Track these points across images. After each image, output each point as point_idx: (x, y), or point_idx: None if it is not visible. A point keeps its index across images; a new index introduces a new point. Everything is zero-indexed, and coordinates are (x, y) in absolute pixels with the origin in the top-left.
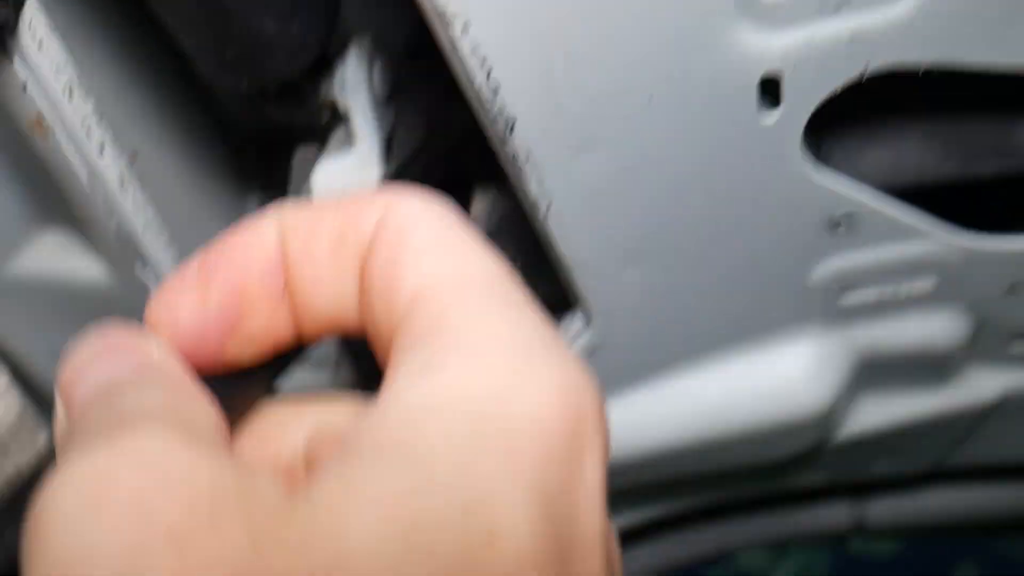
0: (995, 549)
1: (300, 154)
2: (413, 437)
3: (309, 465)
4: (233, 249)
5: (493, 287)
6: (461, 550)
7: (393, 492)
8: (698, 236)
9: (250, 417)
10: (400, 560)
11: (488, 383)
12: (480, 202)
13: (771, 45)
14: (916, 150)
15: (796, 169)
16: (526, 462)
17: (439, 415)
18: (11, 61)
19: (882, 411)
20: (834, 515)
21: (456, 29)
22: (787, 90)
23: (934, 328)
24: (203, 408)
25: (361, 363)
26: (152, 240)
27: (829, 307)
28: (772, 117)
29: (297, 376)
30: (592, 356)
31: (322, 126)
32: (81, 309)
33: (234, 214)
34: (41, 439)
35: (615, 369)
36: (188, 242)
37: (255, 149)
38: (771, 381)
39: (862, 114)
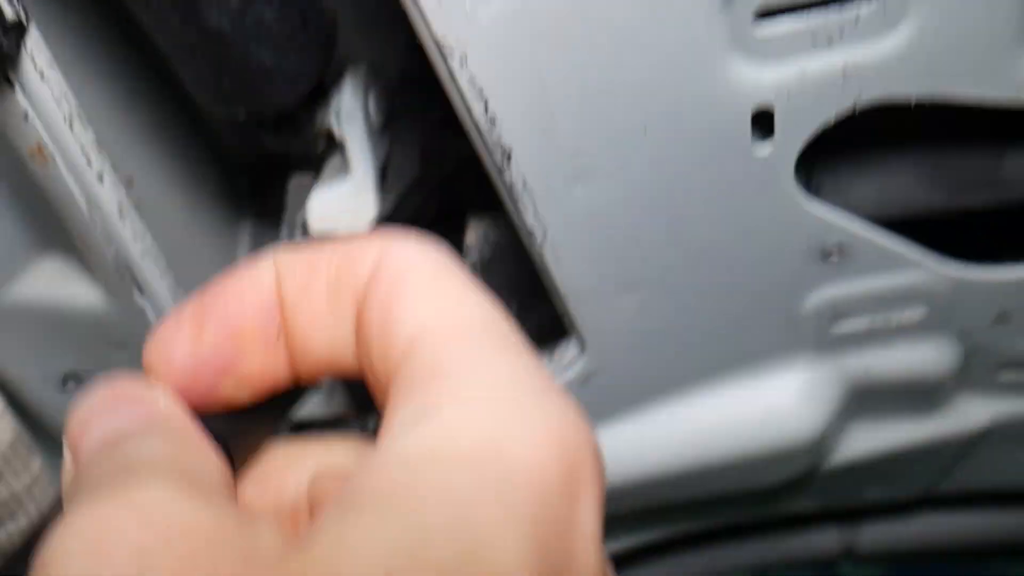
0: (985, 575)
1: (295, 181)
2: (410, 486)
3: (312, 506)
4: (229, 291)
5: (488, 332)
6: None
7: (390, 542)
8: (691, 265)
9: (256, 458)
10: None
11: (484, 430)
12: (474, 230)
13: (764, 78)
14: (906, 181)
15: (788, 199)
16: (523, 508)
17: (435, 463)
18: (13, 91)
19: (872, 438)
20: (824, 540)
21: (455, 61)
22: (780, 122)
23: (924, 356)
24: (207, 458)
25: (354, 390)
26: (149, 268)
27: (820, 335)
28: (765, 148)
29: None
30: (586, 382)
31: (317, 154)
32: (77, 335)
33: (227, 240)
34: (35, 465)
35: (609, 395)
36: (182, 268)
37: (248, 175)
38: (763, 408)
39: (852, 145)
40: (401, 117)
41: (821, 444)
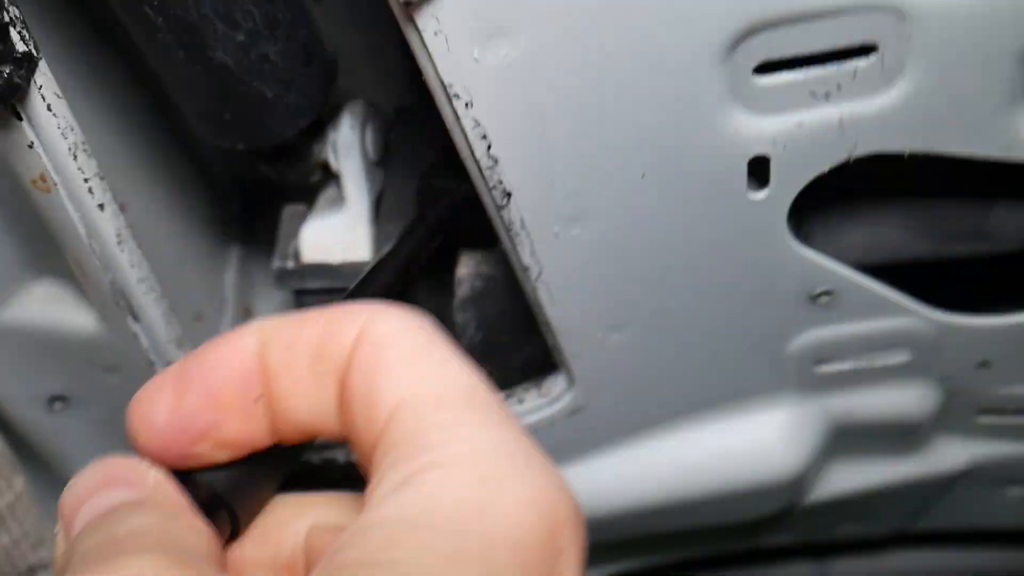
0: None
1: (288, 211)
2: (394, 554)
3: (308, 560)
4: (211, 357)
5: (471, 400)
6: None
7: None
8: (683, 306)
9: (260, 512)
10: None
11: (466, 495)
12: (466, 264)
13: (762, 128)
14: (894, 229)
15: (781, 245)
16: (505, 571)
17: (419, 531)
18: (20, 121)
19: (851, 476)
20: (797, 574)
21: (460, 104)
22: (775, 171)
23: (906, 399)
24: (196, 532)
25: None
26: (145, 295)
27: (805, 375)
28: (760, 195)
29: None
30: (574, 415)
31: (312, 185)
32: (67, 357)
33: (215, 264)
34: (18, 483)
35: (595, 429)
36: (170, 292)
37: (238, 202)
38: (746, 445)
39: (842, 192)
40: (396, 152)
41: (801, 482)
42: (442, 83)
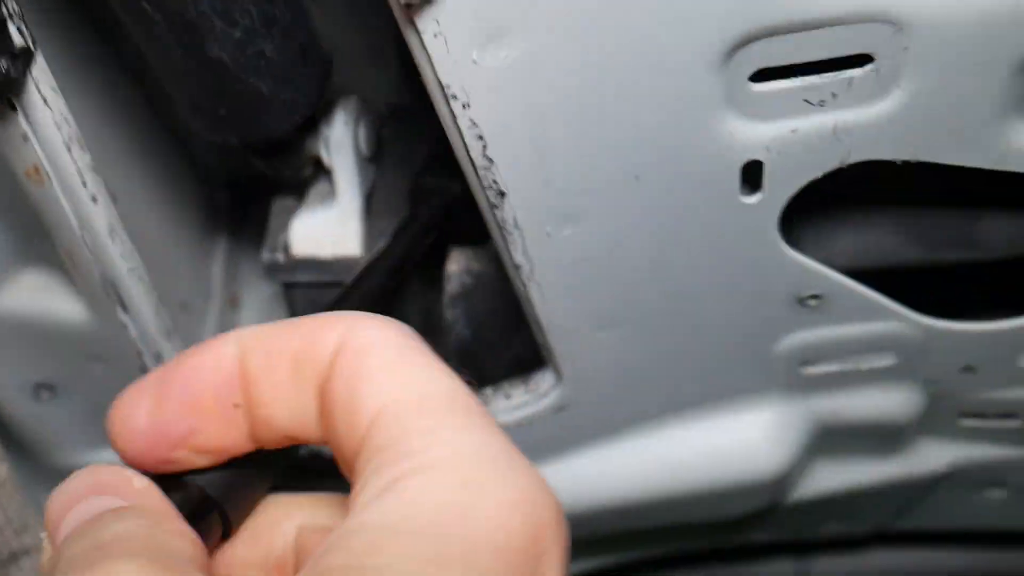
0: None
1: (278, 203)
2: (378, 559)
3: (298, 561)
4: (191, 363)
5: (452, 406)
6: None
7: None
8: (672, 306)
9: (251, 513)
10: None
11: (448, 499)
12: (456, 260)
13: (756, 134)
14: (883, 235)
15: (771, 248)
16: (488, 574)
17: (402, 536)
18: (16, 114)
19: (835, 476)
20: (779, 571)
21: (457, 105)
22: (768, 176)
23: (891, 402)
24: (182, 537)
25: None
26: (135, 286)
27: (792, 377)
28: (752, 200)
29: None
30: (560, 412)
31: (303, 179)
32: (54, 346)
33: (202, 255)
34: (2, 470)
35: (581, 425)
36: (157, 282)
37: (226, 193)
38: (731, 444)
39: (833, 197)
40: (388, 149)
41: (785, 480)
42: (440, 84)
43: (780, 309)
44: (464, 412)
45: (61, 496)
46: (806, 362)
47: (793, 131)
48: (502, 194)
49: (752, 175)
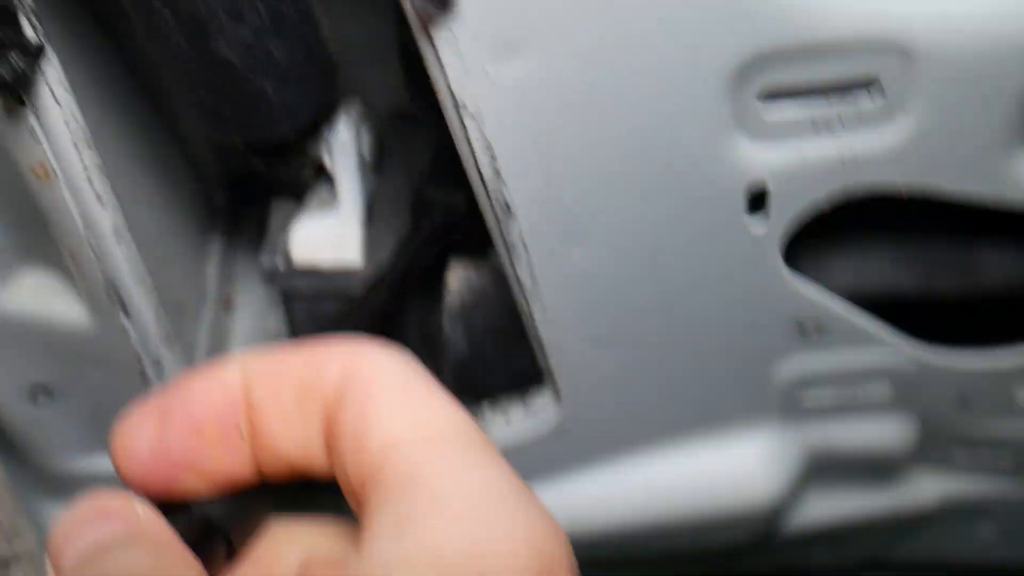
0: None
1: (277, 207)
2: None
3: None
4: (194, 388)
5: (460, 440)
6: None
7: None
8: (673, 329)
9: (253, 538)
10: None
11: (462, 538)
12: (456, 276)
13: (763, 158)
14: (882, 263)
15: (773, 274)
16: None
17: (417, 571)
18: (25, 110)
19: (827, 506)
20: None
21: (469, 118)
22: (773, 200)
23: (885, 433)
24: (185, 566)
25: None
26: (137, 290)
27: (788, 404)
28: (756, 224)
29: None
30: (556, 431)
31: (303, 182)
32: (53, 348)
33: (198, 256)
34: None
35: (577, 447)
36: (155, 285)
37: (224, 193)
38: (725, 471)
39: (833, 223)
40: (389, 155)
41: (778, 510)
42: (453, 96)
43: (779, 335)
44: (473, 446)
45: (66, 521)
46: (802, 390)
47: (800, 156)
48: (510, 210)
49: (757, 201)
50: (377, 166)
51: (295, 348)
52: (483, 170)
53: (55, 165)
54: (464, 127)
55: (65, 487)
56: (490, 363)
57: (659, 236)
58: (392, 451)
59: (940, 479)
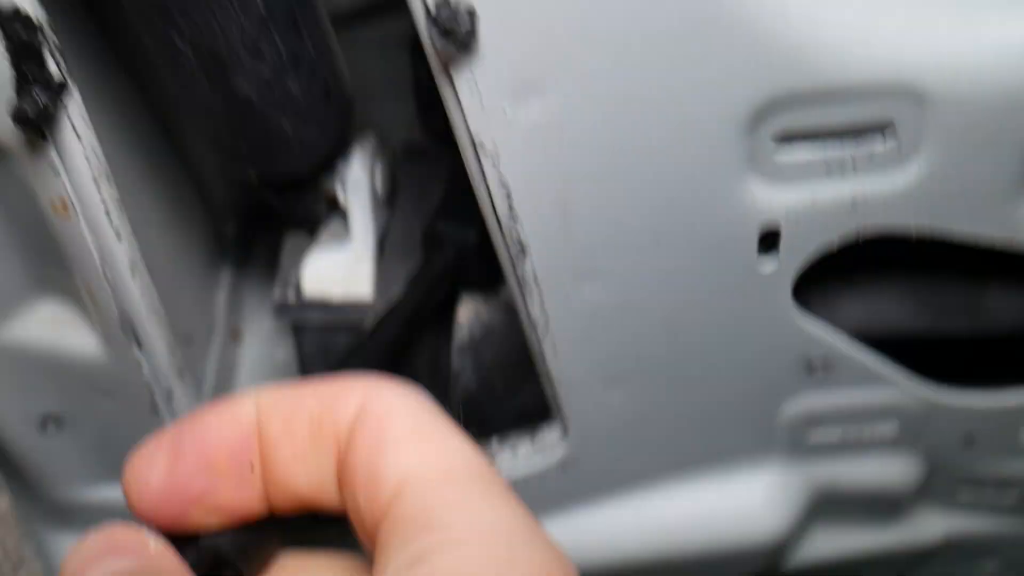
0: None
1: (290, 240)
2: None
3: None
4: (207, 422)
5: (472, 477)
6: None
7: None
8: (681, 366)
9: (262, 572)
10: None
11: (476, 574)
12: (466, 310)
13: (776, 199)
14: (891, 303)
15: (783, 313)
16: None
17: None
18: (47, 145)
19: (832, 542)
20: None
21: (487, 159)
22: (785, 241)
23: (891, 470)
24: None
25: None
26: (152, 324)
27: (794, 442)
28: (767, 264)
29: None
30: (563, 466)
31: (316, 216)
32: (64, 379)
33: (207, 287)
34: (3, 502)
35: (584, 482)
36: (167, 317)
37: (234, 225)
38: (730, 508)
39: (842, 262)
40: (401, 189)
41: (782, 546)
42: (470, 135)
43: (788, 373)
44: (487, 484)
45: (77, 554)
46: (809, 428)
47: (812, 198)
48: (524, 249)
49: (768, 241)
50: (389, 200)
51: (309, 384)
52: (498, 209)
53: (74, 200)
54: (480, 166)
55: (71, 517)
56: (498, 397)
57: (671, 275)
58: (406, 488)
59: (944, 516)
